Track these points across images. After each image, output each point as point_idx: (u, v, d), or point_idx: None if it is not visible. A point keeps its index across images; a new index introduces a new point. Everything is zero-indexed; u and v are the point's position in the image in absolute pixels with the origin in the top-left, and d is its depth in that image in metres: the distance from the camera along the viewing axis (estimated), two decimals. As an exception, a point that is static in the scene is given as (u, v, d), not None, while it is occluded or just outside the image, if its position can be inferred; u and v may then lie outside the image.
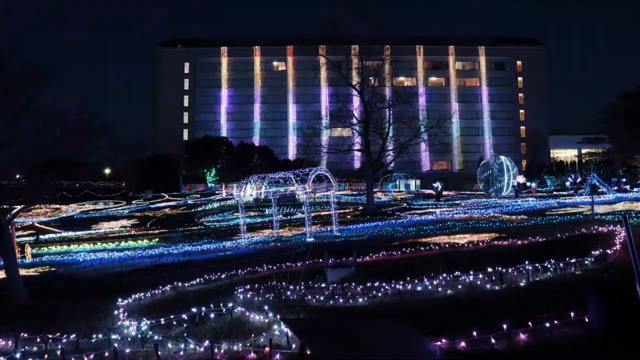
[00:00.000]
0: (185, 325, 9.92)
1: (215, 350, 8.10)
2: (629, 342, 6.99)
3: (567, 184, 61.19)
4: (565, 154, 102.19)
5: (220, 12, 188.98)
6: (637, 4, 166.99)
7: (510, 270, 11.49)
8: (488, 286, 10.95)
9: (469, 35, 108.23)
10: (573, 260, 11.80)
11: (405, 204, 46.86)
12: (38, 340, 9.58)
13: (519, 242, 17.36)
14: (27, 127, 15.90)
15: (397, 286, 11.21)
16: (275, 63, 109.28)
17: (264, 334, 8.50)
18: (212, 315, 10.37)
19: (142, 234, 36.30)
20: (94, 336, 9.34)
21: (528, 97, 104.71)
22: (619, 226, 16.47)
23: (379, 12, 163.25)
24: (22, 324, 10.64)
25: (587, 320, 7.73)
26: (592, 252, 12.45)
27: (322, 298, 11.30)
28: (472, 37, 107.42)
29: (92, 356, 8.38)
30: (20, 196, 16.98)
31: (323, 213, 39.83)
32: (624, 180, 55.49)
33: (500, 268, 11.47)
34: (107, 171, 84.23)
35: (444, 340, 7.43)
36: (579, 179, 58.80)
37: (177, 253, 24.77)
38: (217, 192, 68.38)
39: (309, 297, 11.48)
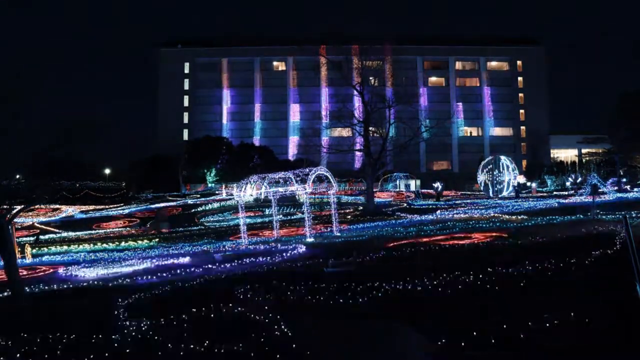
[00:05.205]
0: (185, 325, 9.92)
1: (216, 350, 8.10)
2: (629, 342, 6.98)
3: (568, 184, 61.21)
4: (566, 154, 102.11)
5: (220, 12, 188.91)
6: (636, 4, 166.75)
7: (510, 270, 11.49)
8: (488, 286, 10.94)
9: (469, 35, 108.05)
10: (573, 260, 11.80)
11: (405, 204, 46.84)
12: (38, 340, 9.58)
13: (519, 242, 17.35)
14: (27, 128, 15.90)
15: (397, 286, 11.21)
16: (275, 63, 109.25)
17: (264, 334, 8.51)
18: (212, 316, 10.37)
19: (142, 234, 36.30)
20: (94, 336, 9.33)
21: (528, 97, 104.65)
22: (619, 226, 16.46)
23: (379, 12, 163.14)
24: (22, 324, 10.64)
25: (587, 320, 7.73)
26: (592, 252, 12.44)
27: (322, 298, 11.29)
28: (473, 36, 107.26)
29: (92, 356, 8.37)
30: (20, 196, 16.97)
31: (323, 213, 39.83)
32: (624, 180, 55.45)
33: (500, 268, 11.47)
34: (107, 171, 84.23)
35: (444, 340, 7.42)
36: (579, 179, 58.82)
37: (177, 253, 24.75)
38: (217, 192, 68.30)
39: (309, 297, 11.48)
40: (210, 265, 18.49)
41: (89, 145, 17.04)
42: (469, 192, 65.99)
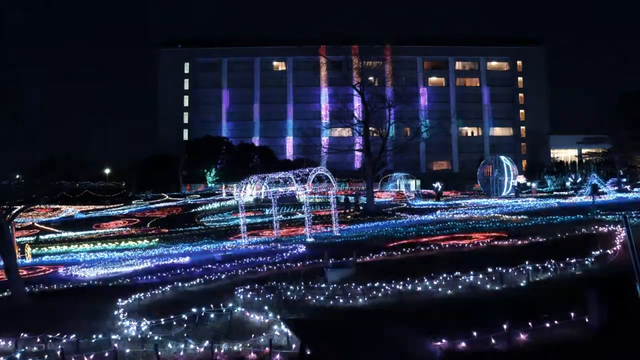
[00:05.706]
0: (185, 325, 9.92)
1: (215, 350, 8.10)
2: (629, 342, 6.98)
3: (568, 184, 61.27)
4: (566, 154, 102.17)
5: (220, 12, 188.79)
6: (636, 4, 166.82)
7: (510, 270, 11.48)
8: (488, 286, 10.94)
9: (469, 35, 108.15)
10: (573, 260, 11.79)
11: (405, 204, 46.84)
12: (38, 340, 9.58)
13: (519, 242, 17.35)
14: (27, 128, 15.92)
15: (397, 286, 11.20)
16: (275, 63, 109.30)
17: (264, 334, 8.51)
18: (212, 316, 10.37)
19: (142, 234, 36.31)
20: (94, 336, 9.33)
21: (528, 97, 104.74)
22: (619, 226, 16.46)
23: (378, 12, 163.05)
24: (22, 324, 10.64)
25: (587, 320, 7.72)
26: (592, 252, 12.43)
27: (322, 298, 11.28)
28: (473, 36, 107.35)
29: (92, 356, 8.38)
30: (20, 196, 16.97)
31: (323, 213, 39.84)
32: (624, 180, 55.48)
33: (500, 268, 11.45)
34: (107, 171, 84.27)
35: (444, 340, 7.42)
36: (579, 179, 58.88)
37: (177, 253, 24.77)
38: (217, 192, 68.32)
39: (309, 297, 11.47)
40: (210, 265, 18.51)
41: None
42: (468, 192, 66.00)
